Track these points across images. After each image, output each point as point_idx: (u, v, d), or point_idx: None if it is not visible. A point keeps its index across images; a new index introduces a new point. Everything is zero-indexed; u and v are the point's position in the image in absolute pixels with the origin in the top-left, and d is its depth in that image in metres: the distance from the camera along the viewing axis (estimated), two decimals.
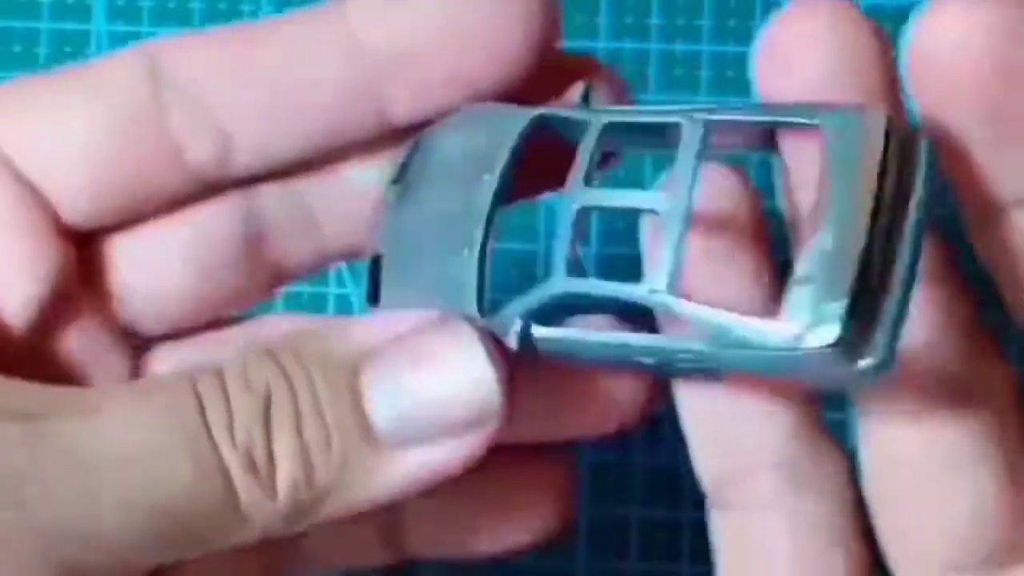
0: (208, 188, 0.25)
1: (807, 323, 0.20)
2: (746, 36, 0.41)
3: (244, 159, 0.24)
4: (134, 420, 0.22)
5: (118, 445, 0.22)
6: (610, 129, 0.23)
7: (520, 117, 0.24)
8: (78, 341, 0.25)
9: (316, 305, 0.41)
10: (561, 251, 0.22)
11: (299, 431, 0.22)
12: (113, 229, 0.25)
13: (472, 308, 0.23)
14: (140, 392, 0.23)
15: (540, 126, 0.24)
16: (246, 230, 0.25)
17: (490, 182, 0.23)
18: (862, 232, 0.20)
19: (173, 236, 0.25)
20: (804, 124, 0.21)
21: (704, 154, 0.22)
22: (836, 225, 0.20)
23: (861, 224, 0.20)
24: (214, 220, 0.25)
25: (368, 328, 0.23)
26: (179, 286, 0.25)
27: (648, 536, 0.39)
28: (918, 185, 0.20)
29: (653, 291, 0.21)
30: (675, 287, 0.21)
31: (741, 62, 0.41)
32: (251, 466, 0.22)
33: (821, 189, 0.21)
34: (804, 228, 0.22)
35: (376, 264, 0.25)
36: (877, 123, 0.20)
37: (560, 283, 0.22)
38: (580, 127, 0.23)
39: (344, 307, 0.40)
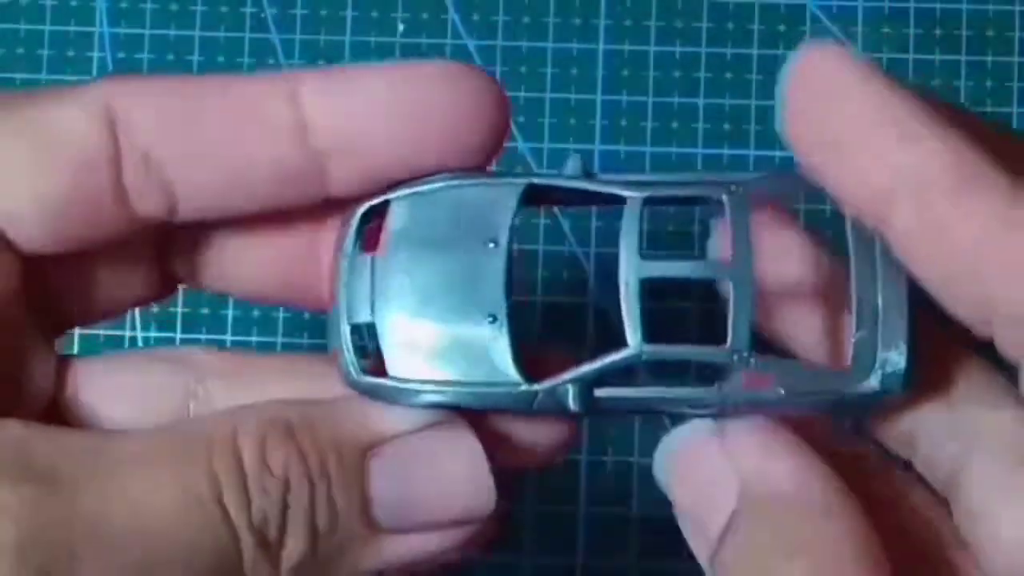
0: (151, 231, 0.26)
1: (878, 375, 0.24)
2: (745, 39, 0.41)
3: (186, 213, 0.25)
4: (153, 495, 0.23)
5: (138, 522, 0.23)
6: (648, 201, 0.25)
7: (509, 187, 0.25)
8: (14, 347, 0.26)
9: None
10: (632, 320, 0.24)
11: (313, 515, 0.24)
12: (62, 255, 0.26)
13: (514, 377, 0.24)
14: (156, 465, 0.23)
15: (530, 192, 0.25)
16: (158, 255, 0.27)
17: (497, 252, 0.25)
18: (904, 294, 0.24)
19: (100, 261, 0.27)
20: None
21: (751, 224, 0.24)
22: (887, 290, 0.24)
23: (902, 290, 0.24)
24: (135, 245, 0.27)
25: (380, 417, 0.25)
26: (102, 302, 0.27)
27: (645, 534, 0.39)
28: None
29: (738, 353, 0.24)
30: (755, 348, 0.24)
31: (738, 64, 0.41)
32: (263, 543, 0.23)
33: (862, 257, 0.24)
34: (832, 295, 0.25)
35: (369, 332, 0.25)
36: None
37: (637, 348, 0.24)
38: (610, 196, 0.25)
39: None
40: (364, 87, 0.24)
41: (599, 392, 0.24)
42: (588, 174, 0.25)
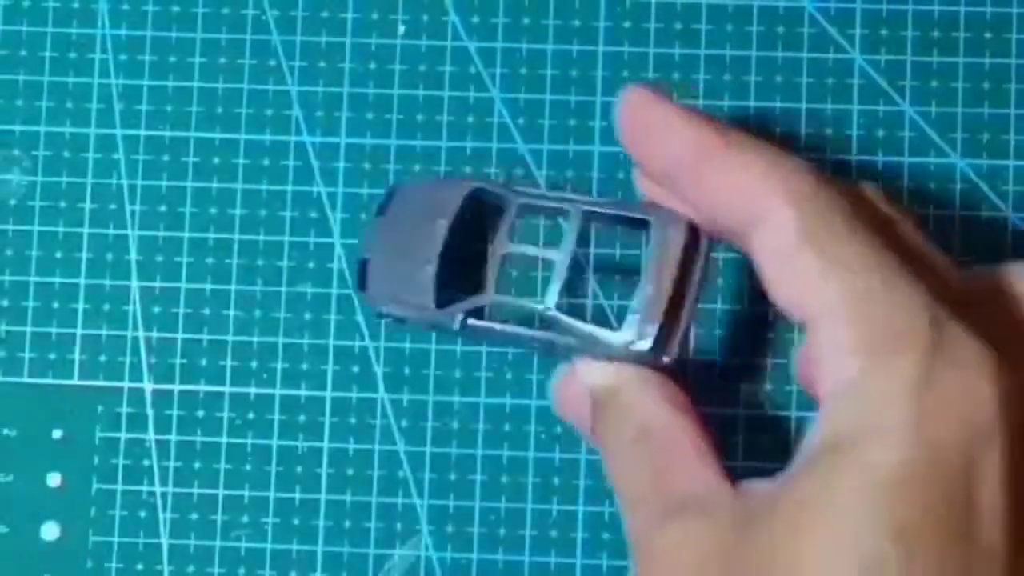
0: None
1: (636, 336, 0.33)
2: (743, 41, 0.41)
3: None
4: None
5: None
6: (526, 207, 0.36)
7: (463, 186, 0.37)
8: None
9: (320, 304, 0.41)
10: (491, 280, 0.37)
11: None
12: None
13: (431, 303, 0.36)
14: None
15: (475, 193, 0.37)
16: None
17: (443, 225, 0.36)
18: (668, 291, 0.33)
19: None
20: (643, 219, 0.34)
21: (581, 232, 0.35)
22: (656, 284, 0.33)
23: (668, 287, 0.33)
24: None
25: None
26: None
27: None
28: (700, 263, 0.33)
29: (548, 308, 0.34)
30: (561, 307, 0.34)
31: (737, 66, 0.41)
32: None
33: (650, 259, 0.33)
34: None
35: (364, 265, 0.37)
36: (683, 226, 0.33)
37: (489, 298, 0.36)
38: (505, 198, 0.36)
39: (348, 306, 0.41)
40: None
41: (472, 322, 0.35)
42: (506, 186, 0.36)
